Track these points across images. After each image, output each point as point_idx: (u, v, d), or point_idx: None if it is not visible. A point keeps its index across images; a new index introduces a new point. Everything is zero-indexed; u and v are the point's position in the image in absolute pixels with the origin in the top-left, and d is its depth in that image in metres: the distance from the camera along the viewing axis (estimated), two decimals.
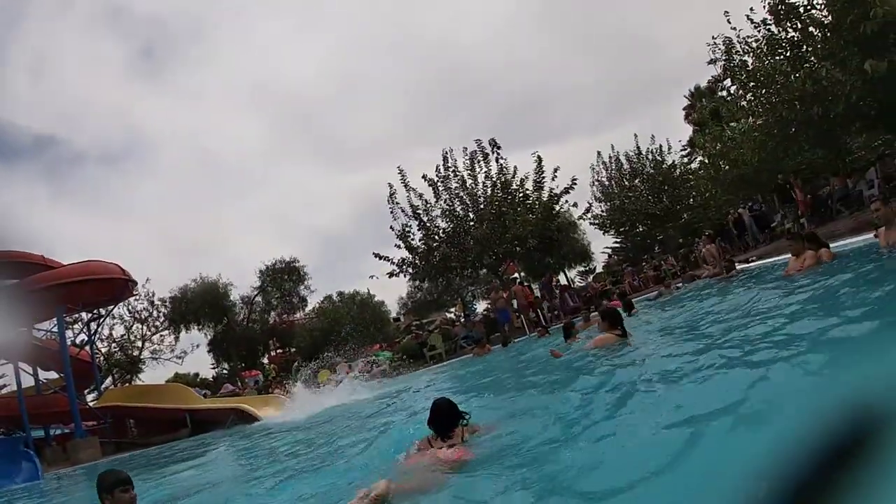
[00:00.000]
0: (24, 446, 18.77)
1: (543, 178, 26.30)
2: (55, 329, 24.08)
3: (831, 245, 10.92)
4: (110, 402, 23.69)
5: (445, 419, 5.75)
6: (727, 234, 27.56)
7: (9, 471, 16.69)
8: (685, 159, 37.01)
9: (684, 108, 47.05)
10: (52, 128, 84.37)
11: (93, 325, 26.32)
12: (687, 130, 43.13)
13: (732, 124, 24.94)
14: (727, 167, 25.11)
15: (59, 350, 22.28)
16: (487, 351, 19.99)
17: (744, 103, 23.31)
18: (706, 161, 28.97)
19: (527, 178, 26.40)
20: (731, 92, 25.17)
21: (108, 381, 33.52)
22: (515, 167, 26.57)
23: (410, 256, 26.86)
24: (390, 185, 26.72)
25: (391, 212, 26.90)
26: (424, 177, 26.72)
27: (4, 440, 20.87)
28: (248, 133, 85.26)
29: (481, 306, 41.08)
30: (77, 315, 25.55)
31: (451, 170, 26.75)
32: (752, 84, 21.79)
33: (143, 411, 22.92)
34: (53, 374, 25.68)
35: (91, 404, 24.53)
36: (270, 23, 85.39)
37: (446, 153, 26.75)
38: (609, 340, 8.89)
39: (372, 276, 29.05)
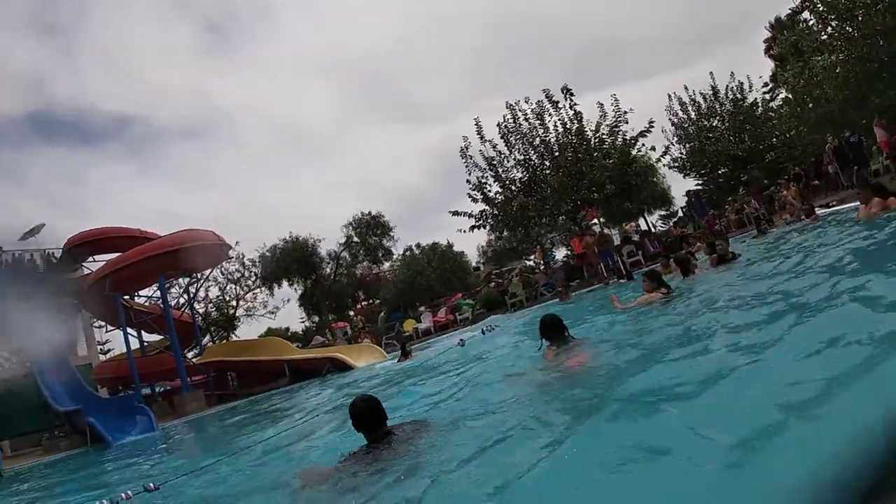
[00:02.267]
0: (136, 403, 20.22)
1: (619, 122, 26.20)
2: (157, 294, 25.69)
3: None
4: (212, 357, 25.07)
5: (558, 327, 7.40)
6: (819, 172, 26.63)
7: (126, 425, 18.14)
8: (767, 96, 35.98)
9: (765, 41, 45.37)
10: (132, 109, 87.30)
11: (191, 289, 27.86)
12: (768, 65, 41.80)
13: (816, 58, 24.07)
14: (811, 104, 24.43)
15: (163, 314, 23.74)
16: (570, 298, 20.09)
17: (824, 37, 22.63)
18: (790, 97, 28.25)
19: (602, 122, 26.30)
20: (811, 25, 24.22)
21: (207, 338, 35.20)
22: (581, 114, 26.43)
23: (488, 208, 27.24)
24: (465, 138, 27.07)
25: (465, 165, 27.33)
26: (499, 124, 26.94)
27: (120, 397, 22.45)
28: (322, 99, 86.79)
29: (561, 253, 41.36)
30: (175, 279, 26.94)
31: (519, 120, 26.90)
32: (831, 17, 21.17)
33: (243, 364, 24.18)
34: (156, 336, 27.48)
35: (194, 361, 26.01)
36: None
37: (511, 105, 26.88)
38: (653, 299, 9.84)
39: (460, 230, 29.08)
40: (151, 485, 7.09)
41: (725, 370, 4.38)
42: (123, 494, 6.86)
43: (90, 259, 28.33)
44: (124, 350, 30.31)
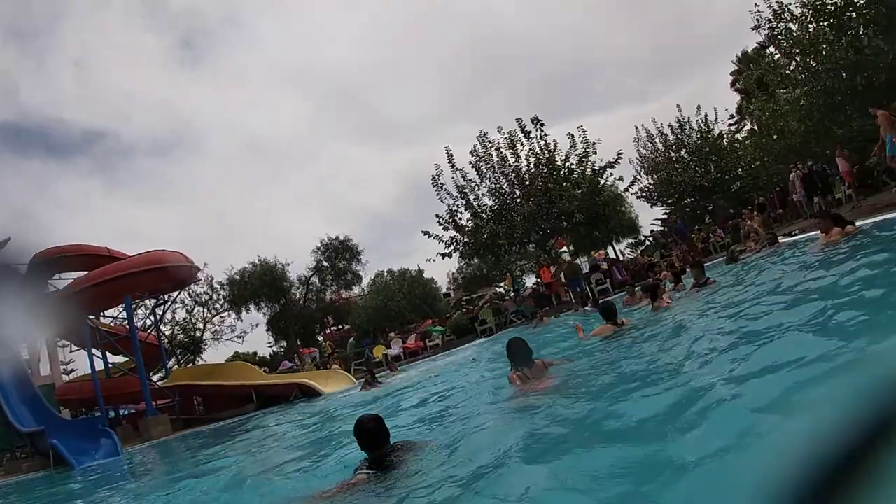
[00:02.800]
0: (101, 426, 19.92)
1: (588, 152, 26.66)
2: (123, 315, 25.38)
3: (871, 219, 12.43)
4: (178, 381, 24.78)
5: (524, 350, 7.69)
6: (784, 201, 27.22)
7: (90, 448, 17.86)
8: (732, 128, 36.76)
9: (731, 74, 46.49)
10: (99, 122, 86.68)
11: (158, 311, 27.55)
12: (734, 98, 42.83)
13: (780, 91, 24.76)
14: (775, 136, 25.03)
15: (129, 335, 23.43)
16: (546, 322, 20.20)
17: (788, 71, 23.27)
18: (755, 129, 28.90)
19: (571, 152, 26.77)
20: (776, 60, 24.93)
21: (172, 361, 34.79)
22: (555, 141, 26.93)
23: (459, 235, 27.49)
24: (437, 166, 27.35)
25: (437, 193, 27.56)
26: (472, 152, 27.29)
27: (84, 420, 22.14)
28: (293, 115, 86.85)
29: (530, 281, 41.58)
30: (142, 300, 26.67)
31: (490, 149, 27.28)
32: (796, 52, 21.76)
33: (209, 389, 23.95)
34: (121, 358, 27.11)
35: (160, 384, 25.68)
36: (305, 4, 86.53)
37: (482, 134, 27.28)
38: (607, 331, 10.48)
39: (429, 260, 29.24)
40: None
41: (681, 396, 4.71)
42: None
43: (56, 276, 27.91)
44: (88, 371, 30.03)
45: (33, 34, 70.28)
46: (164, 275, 21.87)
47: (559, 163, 26.86)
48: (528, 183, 26.85)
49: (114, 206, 78.90)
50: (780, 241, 17.45)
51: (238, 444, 13.73)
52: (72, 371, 38.24)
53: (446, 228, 27.40)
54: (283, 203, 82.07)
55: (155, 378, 26.82)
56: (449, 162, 27.24)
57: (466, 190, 27.48)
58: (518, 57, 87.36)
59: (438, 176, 27.36)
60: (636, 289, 17.35)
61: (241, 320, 40.73)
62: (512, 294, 35.30)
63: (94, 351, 24.07)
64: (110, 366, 25.72)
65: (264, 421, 17.41)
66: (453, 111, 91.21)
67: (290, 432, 13.00)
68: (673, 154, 32.66)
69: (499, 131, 27.22)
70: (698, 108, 32.39)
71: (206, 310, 39.94)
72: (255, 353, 44.69)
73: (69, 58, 73.47)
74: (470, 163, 27.43)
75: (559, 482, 3.76)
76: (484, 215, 27.36)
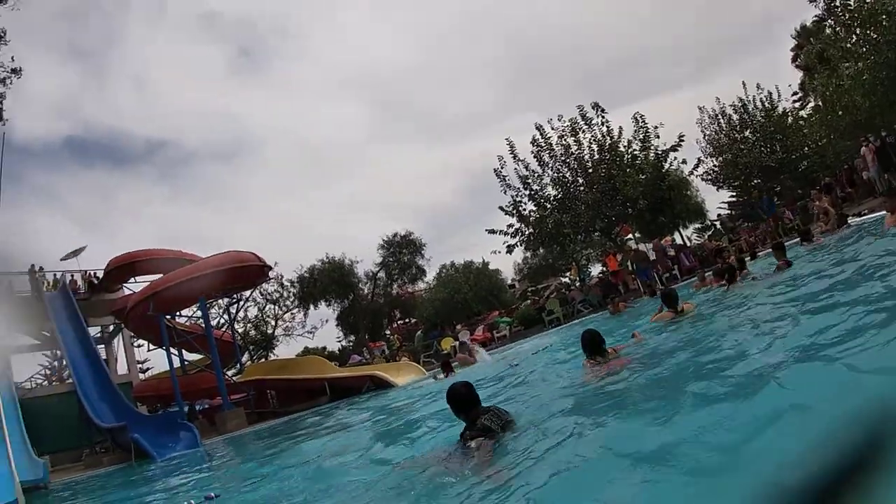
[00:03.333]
0: (180, 419, 20.50)
1: (649, 136, 26.23)
2: (198, 314, 26.07)
3: None
4: (252, 376, 25.34)
5: (597, 342, 7.76)
6: (852, 179, 26.22)
7: (170, 441, 18.45)
8: (796, 105, 35.67)
9: (791, 50, 45.11)
10: (162, 132, 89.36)
11: (232, 309, 28.17)
12: (796, 75, 41.56)
13: (844, 64, 23.88)
14: (840, 112, 24.20)
15: (204, 333, 24.05)
16: (622, 309, 19.87)
17: (849, 45, 22.48)
18: (819, 105, 28.02)
19: (634, 138, 26.39)
20: (836, 33, 24.06)
21: (245, 357, 35.54)
22: (621, 128, 26.58)
23: (523, 226, 27.32)
24: (499, 158, 27.21)
25: (501, 184, 27.44)
26: (533, 142, 27.08)
27: (164, 414, 22.83)
28: (348, 117, 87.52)
29: (595, 270, 41.15)
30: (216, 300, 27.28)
31: (550, 139, 27.03)
32: (855, 24, 21.05)
33: (283, 382, 24.34)
34: (196, 355, 27.86)
35: (235, 379, 26.28)
36: (352, 10, 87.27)
37: (540, 126, 27.05)
38: (665, 318, 10.42)
39: (494, 252, 28.79)
40: (212, 494, 7.25)
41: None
42: (185, 503, 7.00)
43: (131, 280, 28.88)
44: (163, 369, 30.96)
45: (93, 53, 72.80)
46: (237, 274, 22.26)
47: (622, 149, 26.47)
48: (590, 171, 26.53)
49: (180, 211, 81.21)
50: (850, 221, 16.88)
51: (315, 434, 13.93)
52: (147, 369, 39.54)
53: (510, 225, 27.25)
54: (345, 203, 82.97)
55: (230, 374, 27.37)
56: (511, 153, 27.09)
57: (529, 180, 27.30)
58: (568, 46, 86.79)
59: (501, 168, 27.25)
60: (707, 273, 16.99)
61: (309, 316, 41.82)
62: (578, 283, 34.96)
63: (171, 349, 24.66)
64: (186, 363, 26.31)
65: (340, 412, 17.58)
66: (507, 104, 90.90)
67: (369, 421, 13.07)
68: (737, 134, 31.84)
69: (559, 119, 26.99)
70: (757, 86, 31.60)
71: (277, 307, 41.08)
72: (325, 348, 45.27)
73: (129, 73, 75.84)
74: (531, 152, 27.23)
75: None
76: (548, 205, 27.13)
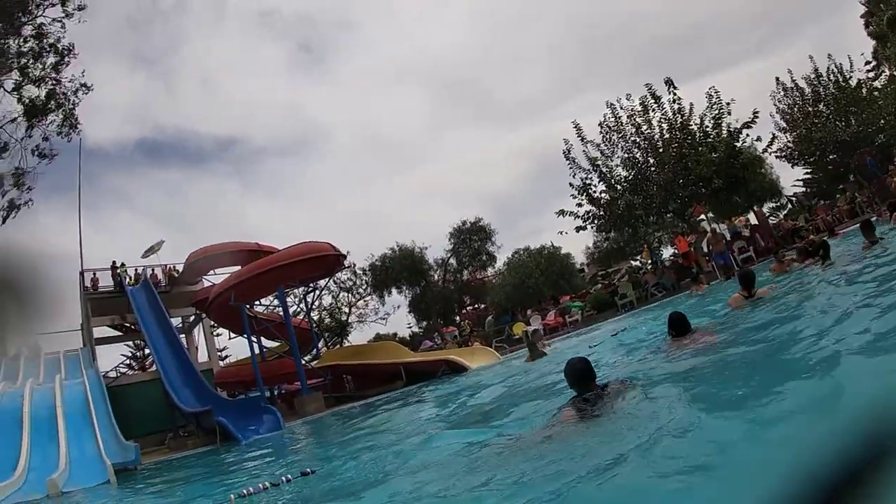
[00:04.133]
0: (262, 403, 21.16)
1: (721, 113, 25.61)
2: (275, 303, 26.89)
3: None
4: (329, 361, 25.86)
5: (683, 323, 7.89)
6: None
7: (253, 424, 19.11)
8: (870, 75, 34.28)
9: (862, 16, 43.12)
10: (231, 130, 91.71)
11: (308, 298, 28.80)
12: (868, 43, 39.84)
13: None
14: None
15: (282, 321, 24.75)
16: (702, 290, 19.06)
17: None
18: (894, 75, 27.04)
19: (706, 114, 25.79)
20: None
21: (321, 344, 36.25)
22: (691, 104, 26.02)
23: (594, 209, 27.01)
24: (566, 141, 26.93)
25: (569, 167, 27.15)
26: (601, 123, 26.76)
27: (247, 399, 23.52)
28: (411, 107, 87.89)
29: (667, 252, 40.51)
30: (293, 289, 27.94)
31: (620, 118, 26.64)
32: None
33: (359, 367, 24.78)
34: (273, 343, 28.72)
35: (312, 365, 26.87)
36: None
37: (612, 104, 26.66)
38: (738, 301, 10.10)
39: (561, 232, 28.49)
40: (308, 469, 7.56)
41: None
42: (284, 478, 7.30)
43: (211, 273, 29.94)
44: (241, 357, 32.01)
45: (158, 58, 75.05)
46: (314, 264, 22.75)
47: (692, 127, 25.90)
48: (661, 150, 26.04)
49: (253, 205, 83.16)
50: None
51: (397, 415, 14.14)
52: (226, 357, 40.71)
53: (580, 204, 26.91)
54: (413, 191, 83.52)
55: (306, 360, 27.97)
56: (578, 135, 26.75)
57: (598, 162, 26.94)
58: (628, 23, 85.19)
59: (569, 150, 26.94)
60: (787, 254, 16.49)
61: (384, 303, 42.57)
62: (650, 266, 34.54)
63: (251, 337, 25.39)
64: (265, 350, 27.01)
65: (417, 395, 17.78)
66: (567, 87, 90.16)
67: (448, 403, 13.12)
68: (810, 108, 30.89)
69: (627, 99, 26.58)
70: (829, 56, 30.67)
71: (350, 295, 41.82)
72: (395, 334, 45.79)
73: (195, 75, 78.10)
74: (600, 133, 26.87)
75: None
76: (619, 186, 26.75)
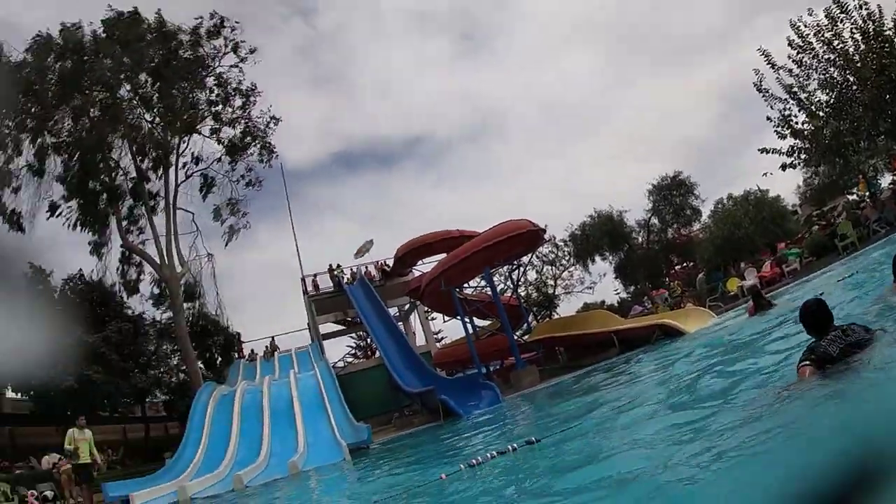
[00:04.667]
0: (480, 379, 21.89)
1: None
2: (482, 284, 27.74)
3: None
4: (540, 335, 26.15)
5: None
6: None
7: (474, 399, 19.94)
8: None
9: None
10: (414, 129, 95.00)
11: (514, 275, 29.27)
12: None
13: None
14: None
15: (492, 300, 25.46)
16: None
17: None
18: None
19: None
20: None
21: (530, 318, 36.66)
22: (879, 6, 23.06)
23: (798, 142, 25.08)
24: (756, 72, 25.11)
25: (764, 99, 25.28)
26: (790, 44, 24.51)
27: (466, 376, 24.60)
28: (585, 66, 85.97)
29: (885, 180, 36.93)
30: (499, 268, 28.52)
31: (806, 37, 24.39)
32: None
33: (571, 339, 24.83)
34: (483, 322, 29.52)
35: (524, 339, 27.32)
36: None
37: (794, 23, 24.40)
38: None
39: (765, 174, 26.83)
40: (533, 438, 7.82)
41: None
42: (509, 447, 7.58)
43: (419, 262, 31.51)
44: (455, 338, 33.34)
45: (334, 77, 79.30)
46: (516, 242, 23.10)
47: (888, 32, 23.06)
48: (859, 65, 23.53)
49: (447, 194, 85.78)
50: None
51: (613, 384, 13.95)
52: (442, 339, 42.34)
53: (782, 136, 25.01)
54: (603, 154, 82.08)
55: (518, 334, 28.44)
56: (767, 62, 24.68)
57: (795, 89, 24.79)
58: None
59: (760, 81, 24.98)
60: None
61: (590, 272, 42.35)
62: (868, 199, 31.69)
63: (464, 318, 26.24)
64: (477, 329, 27.76)
65: (633, 362, 17.28)
66: (745, 8, 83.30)
67: (666, 368, 12.62)
68: None
69: (809, 14, 24.12)
70: None
71: (554, 267, 41.91)
72: (603, 302, 45.35)
73: (371, 84, 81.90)
74: (789, 57, 24.56)
75: None
76: (821, 113, 24.55)
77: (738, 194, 38.30)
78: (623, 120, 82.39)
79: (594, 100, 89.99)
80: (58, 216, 34.10)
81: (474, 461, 7.39)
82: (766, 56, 23.77)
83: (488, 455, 7.48)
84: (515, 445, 7.64)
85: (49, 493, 18.17)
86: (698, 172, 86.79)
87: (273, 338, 34.36)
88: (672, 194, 39.38)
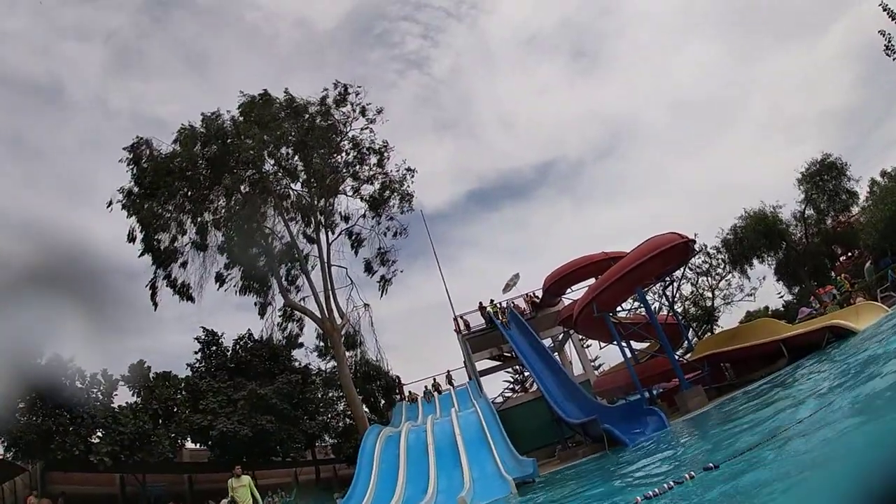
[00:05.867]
0: (644, 405, 21.29)
1: None
2: (635, 305, 27.08)
3: None
4: (703, 352, 25.16)
5: None
6: None
7: (638, 426, 19.42)
8: None
9: None
10: (544, 155, 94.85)
11: (668, 292, 28.56)
12: None
13: None
14: None
15: (648, 321, 24.86)
16: None
17: None
18: None
19: None
20: None
21: (690, 335, 35.49)
22: None
23: None
24: (882, 33, 23.25)
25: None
26: None
27: (628, 403, 23.86)
28: (705, 57, 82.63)
29: None
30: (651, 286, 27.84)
31: None
32: None
33: (735, 353, 23.72)
34: (641, 344, 28.85)
35: (686, 359, 26.39)
36: None
37: None
38: None
39: None
40: (711, 465, 7.58)
41: None
42: (686, 475, 7.34)
43: (568, 291, 31.58)
44: (613, 363, 32.85)
45: (457, 120, 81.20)
46: (665, 257, 22.54)
47: None
48: None
49: (588, 216, 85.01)
50: None
51: (785, 398, 13.20)
52: (599, 366, 41.79)
53: None
54: (744, 145, 78.74)
55: (679, 354, 27.54)
56: (890, 17, 22.85)
57: None
58: None
59: (889, 41, 23.12)
60: None
61: (748, 278, 40.65)
62: None
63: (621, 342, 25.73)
64: (636, 352, 27.12)
65: (804, 373, 16.27)
66: None
67: (843, 375, 11.92)
68: None
69: None
70: None
71: (709, 278, 40.44)
72: (767, 308, 43.37)
73: (493, 120, 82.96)
74: None
75: None
76: None
77: (892, 168, 35.52)
78: (757, 107, 78.63)
79: (723, 90, 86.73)
80: (226, 288, 37.20)
81: (652, 493, 7.28)
82: (888, 12, 22.14)
83: (665, 486, 7.33)
84: (693, 473, 7.45)
85: None
86: (848, 150, 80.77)
87: (434, 378, 35.05)
88: (824, 179, 36.96)
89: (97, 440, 25.76)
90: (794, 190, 38.66)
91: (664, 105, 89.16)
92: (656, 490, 7.23)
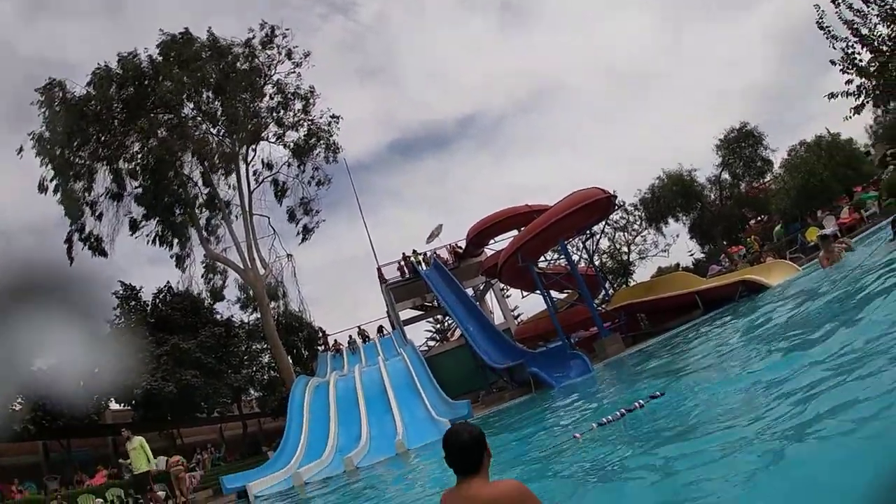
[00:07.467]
0: (568, 350, 22.14)
1: None
2: (555, 257, 27.93)
3: None
4: (620, 302, 26.14)
5: None
6: None
7: (564, 370, 20.15)
8: None
9: None
10: (467, 108, 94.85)
11: (588, 244, 29.40)
12: None
13: None
14: None
15: (569, 272, 25.40)
16: None
17: None
18: None
19: None
20: None
21: (606, 286, 36.60)
22: None
23: (865, 80, 24.34)
24: (816, 7, 24.39)
25: (826, 38, 24.52)
26: None
27: (553, 348, 24.45)
28: (636, 23, 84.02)
29: None
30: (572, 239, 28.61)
31: None
32: None
33: (652, 303, 24.77)
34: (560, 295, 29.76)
35: (604, 308, 27.42)
36: None
37: None
38: None
39: (847, 117, 25.84)
40: (657, 392, 8.23)
41: None
42: (636, 403, 7.90)
43: (491, 242, 32.02)
44: (531, 314, 33.72)
45: (382, 67, 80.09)
46: (588, 211, 23.18)
47: None
48: None
49: (508, 170, 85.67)
50: None
51: (704, 345, 13.90)
52: (518, 315, 42.72)
53: (849, 81, 24.22)
54: (667, 111, 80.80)
55: (597, 303, 28.46)
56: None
57: (857, 24, 23.89)
58: None
59: (821, 18, 24.21)
60: None
61: (664, 235, 42.15)
62: None
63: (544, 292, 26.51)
64: (556, 301, 27.97)
65: (720, 322, 16.96)
66: None
67: (758, 325, 12.26)
68: None
69: None
70: None
71: (626, 233, 41.70)
72: (678, 265, 44.84)
73: (417, 70, 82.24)
74: None
75: None
76: (884, 48, 23.71)
77: (810, 140, 37.23)
78: (683, 75, 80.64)
79: (652, 56, 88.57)
80: (137, 235, 36.33)
81: (605, 420, 7.72)
82: None
83: (617, 413, 7.75)
84: (642, 402, 7.87)
85: (161, 494, 19.10)
86: (767, 124, 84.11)
87: (360, 326, 35.15)
88: (741, 146, 38.35)
89: (19, 407, 24.82)
90: (713, 155, 39.84)
91: (593, 66, 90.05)
92: (609, 417, 7.70)
